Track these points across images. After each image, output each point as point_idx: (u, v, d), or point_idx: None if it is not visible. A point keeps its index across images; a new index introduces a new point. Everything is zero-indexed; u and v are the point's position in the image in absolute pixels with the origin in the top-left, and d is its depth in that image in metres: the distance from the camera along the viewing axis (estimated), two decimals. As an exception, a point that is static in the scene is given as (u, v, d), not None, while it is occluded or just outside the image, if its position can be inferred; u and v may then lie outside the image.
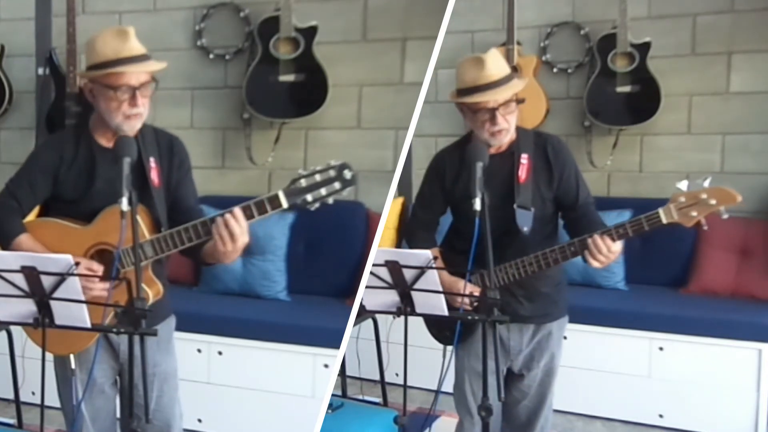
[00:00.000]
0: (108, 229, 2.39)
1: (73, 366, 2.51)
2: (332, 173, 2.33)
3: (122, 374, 2.63)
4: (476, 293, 2.63)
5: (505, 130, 2.64)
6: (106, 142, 2.52)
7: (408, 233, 2.94)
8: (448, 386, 2.85)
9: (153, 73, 2.46)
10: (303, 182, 2.33)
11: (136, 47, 2.43)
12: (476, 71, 2.60)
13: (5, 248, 2.49)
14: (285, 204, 2.33)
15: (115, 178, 2.27)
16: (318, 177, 2.33)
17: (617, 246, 2.53)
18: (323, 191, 2.33)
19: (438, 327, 2.87)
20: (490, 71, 2.60)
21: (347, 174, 2.33)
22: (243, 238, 2.36)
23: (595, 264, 2.56)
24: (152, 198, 2.49)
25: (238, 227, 2.33)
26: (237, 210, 2.34)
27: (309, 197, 2.33)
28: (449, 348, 2.81)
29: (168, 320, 2.70)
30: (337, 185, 2.33)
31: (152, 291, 2.47)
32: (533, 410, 2.89)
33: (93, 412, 2.61)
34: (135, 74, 2.41)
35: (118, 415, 2.73)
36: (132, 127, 2.46)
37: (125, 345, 2.47)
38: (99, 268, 2.42)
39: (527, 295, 2.74)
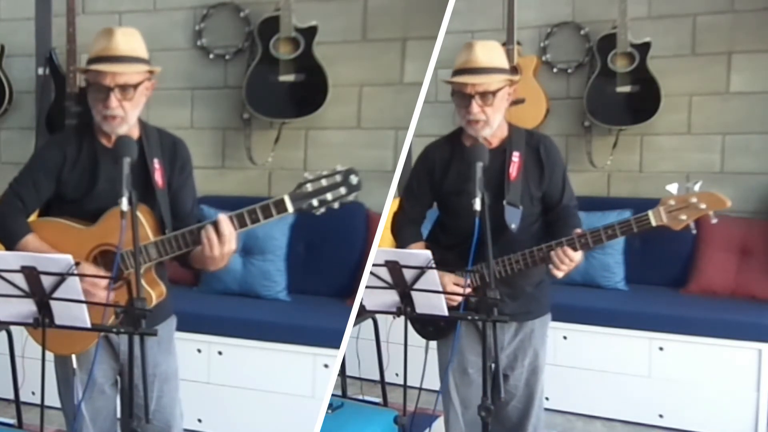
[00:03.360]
0: (112, 230, 2.37)
1: (74, 366, 2.51)
2: (338, 178, 2.33)
3: (122, 374, 2.63)
4: (468, 289, 2.62)
5: (482, 122, 2.63)
6: (107, 142, 2.52)
7: (394, 227, 2.93)
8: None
9: (141, 74, 2.44)
10: (309, 187, 2.33)
11: (118, 48, 2.41)
12: (465, 55, 2.62)
13: (11, 249, 2.48)
14: (291, 209, 2.34)
15: (118, 178, 2.26)
16: (324, 182, 2.33)
17: (578, 255, 2.57)
18: (329, 196, 2.33)
19: (421, 322, 2.86)
20: (475, 56, 2.60)
21: (353, 179, 2.33)
22: (229, 245, 2.36)
23: (558, 274, 2.60)
24: (156, 199, 2.49)
25: (228, 232, 2.34)
26: (224, 217, 2.35)
27: (315, 202, 2.33)
28: (432, 344, 2.86)
29: (169, 320, 2.69)
30: (342, 190, 2.33)
31: (155, 292, 2.47)
32: (523, 411, 2.88)
33: (93, 413, 2.60)
34: (110, 75, 2.39)
35: (118, 415, 2.73)
36: (111, 128, 2.45)
37: (125, 345, 2.48)
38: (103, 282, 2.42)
39: (512, 294, 2.73)
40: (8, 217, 2.52)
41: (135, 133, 2.53)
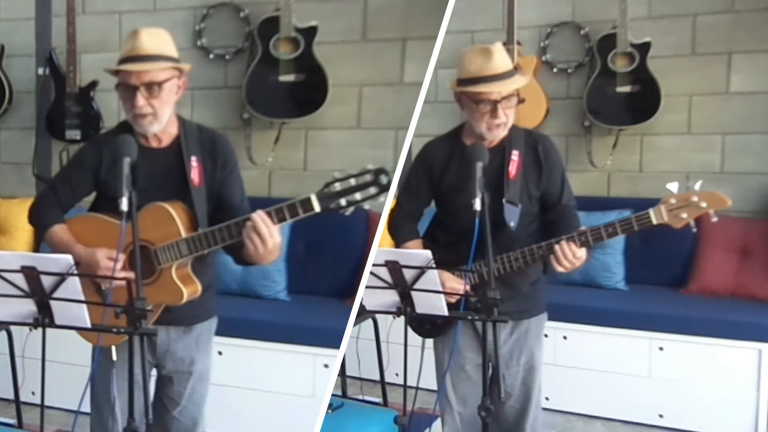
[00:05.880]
0: (146, 226, 2.38)
1: (114, 357, 2.47)
2: (368, 177, 2.29)
3: (158, 368, 2.65)
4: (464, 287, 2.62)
5: (504, 124, 2.66)
6: (145, 141, 2.54)
7: (391, 224, 2.92)
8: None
9: (156, 72, 2.44)
10: (337, 186, 2.29)
11: (142, 47, 2.44)
12: (482, 61, 2.62)
13: (41, 238, 2.58)
14: (317, 208, 2.30)
15: (156, 176, 2.28)
16: (353, 181, 2.29)
17: (581, 252, 2.57)
18: (358, 196, 2.29)
19: (418, 320, 2.84)
20: (497, 62, 2.62)
21: (383, 179, 2.29)
22: (272, 240, 2.34)
23: (559, 269, 2.59)
24: (191, 197, 2.49)
25: (266, 229, 2.32)
26: (261, 212, 2.33)
27: (343, 201, 2.29)
28: (428, 342, 2.85)
29: (209, 321, 2.70)
30: (372, 190, 2.29)
31: (188, 290, 2.47)
32: (520, 410, 2.87)
33: (124, 404, 2.58)
34: (135, 74, 2.42)
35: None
36: (142, 127, 2.48)
37: (162, 339, 2.54)
38: (120, 258, 2.37)
39: (508, 293, 2.69)
40: (42, 208, 2.61)
41: (172, 131, 2.56)
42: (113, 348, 2.49)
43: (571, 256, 2.56)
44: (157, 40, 2.48)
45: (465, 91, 2.65)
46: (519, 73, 2.71)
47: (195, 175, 2.52)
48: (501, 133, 2.69)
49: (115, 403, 2.53)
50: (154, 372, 2.68)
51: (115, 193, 2.49)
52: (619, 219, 2.56)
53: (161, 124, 2.49)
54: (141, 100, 2.43)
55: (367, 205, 2.31)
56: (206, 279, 2.57)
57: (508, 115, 2.66)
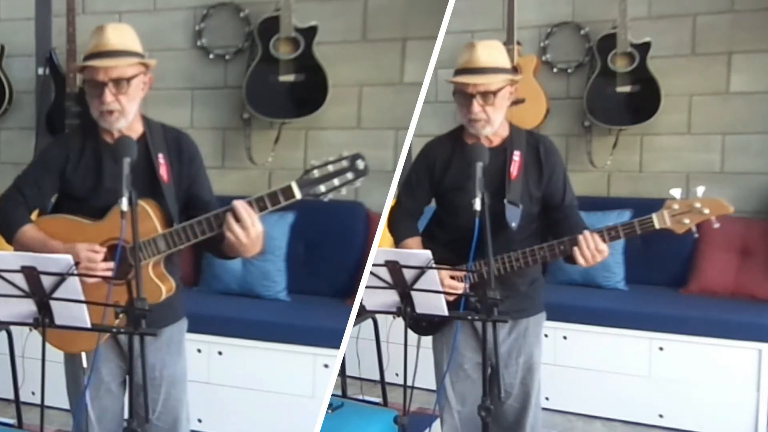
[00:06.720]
0: (119, 225, 2.36)
1: (84, 364, 2.49)
2: (345, 163, 2.32)
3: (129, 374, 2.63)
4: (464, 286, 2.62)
5: (483, 120, 2.65)
6: (111, 139, 2.52)
7: (391, 221, 2.93)
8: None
9: (126, 67, 2.43)
10: (316, 173, 2.32)
11: (108, 43, 2.42)
12: (467, 54, 2.65)
13: (9, 240, 2.51)
14: (298, 195, 2.32)
15: (121, 175, 2.25)
16: (331, 168, 2.32)
17: (604, 246, 2.57)
18: (336, 181, 2.32)
19: (414, 318, 2.85)
20: (477, 56, 2.63)
21: (360, 164, 2.32)
22: (255, 229, 2.34)
23: (581, 261, 2.58)
24: (162, 194, 2.48)
25: (248, 217, 2.32)
26: (242, 201, 2.33)
27: (322, 188, 2.32)
28: (424, 342, 2.80)
29: (180, 323, 2.68)
30: (350, 175, 2.32)
31: (165, 287, 2.46)
32: (520, 410, 2.86)
33: (99, 411, 2.58)
34: (103, 70, 2.41)
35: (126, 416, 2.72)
36: (109, 124, 2.46)
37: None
38: (101, 251, 2.41)
39: (507, 293, 2.70)
40: (7, 209, 2.54)
41: (138, 129, 2.54)
42: (83, 355, 2.49)
43: (593, 246, 2.55)
44: (122, 35, 2.46)
45: (449, 81, 2.67)
46: (510, 73, 2.69)
47: (164, 171, 2.51)
48: (483, 130, 2.67)
49: (89, 410, 2.52)
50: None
51: (81, 193, 2.50)
52: (622, 223, 2.57)
53: (127, 120, 2.48)
54: (109, 96, 2.42)
55: (344, 191, 2.33)
56: (176, 278, 2.56)
57: (488, 112, 2.64)
